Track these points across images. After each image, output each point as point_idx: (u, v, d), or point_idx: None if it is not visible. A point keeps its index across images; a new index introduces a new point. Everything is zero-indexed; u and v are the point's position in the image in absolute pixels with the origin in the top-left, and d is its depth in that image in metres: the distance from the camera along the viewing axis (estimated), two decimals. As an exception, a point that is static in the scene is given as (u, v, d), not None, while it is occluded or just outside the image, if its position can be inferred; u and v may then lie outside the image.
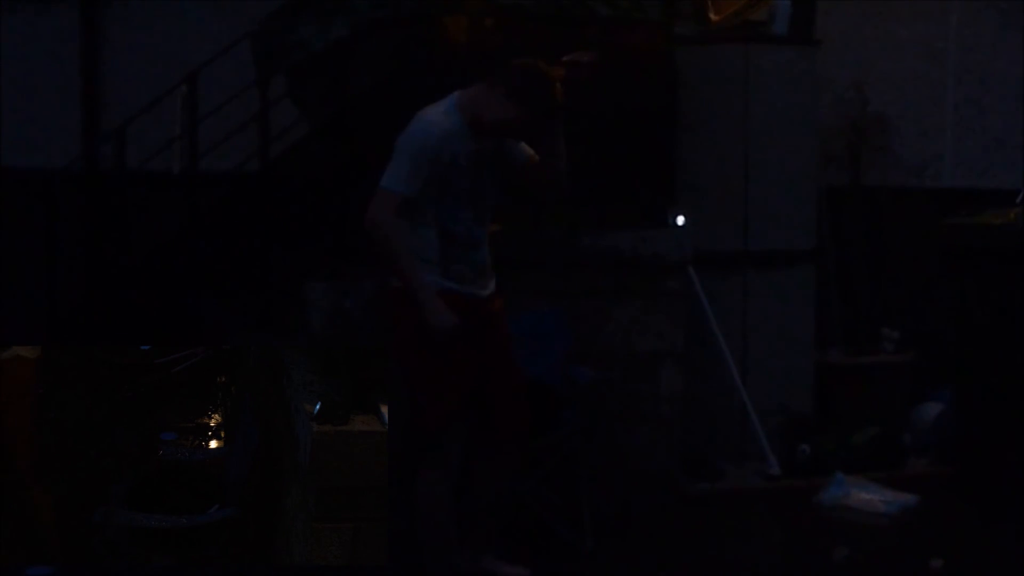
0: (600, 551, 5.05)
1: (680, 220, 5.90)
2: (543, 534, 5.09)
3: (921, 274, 6.74)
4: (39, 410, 4.08)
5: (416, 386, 4.39)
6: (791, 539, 5.31)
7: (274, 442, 4.12)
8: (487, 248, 4.49)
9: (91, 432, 4.13)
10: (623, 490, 5.51)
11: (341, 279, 5.73)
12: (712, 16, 6.54)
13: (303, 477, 3.88)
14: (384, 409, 3.93)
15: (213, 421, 4.28)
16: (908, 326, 6.65)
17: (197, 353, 4.28)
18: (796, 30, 6.38)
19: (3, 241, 7.98)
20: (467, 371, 4.38)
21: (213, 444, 4.25)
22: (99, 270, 7.08)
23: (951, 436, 6.03)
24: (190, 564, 4.08)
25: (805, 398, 6.36)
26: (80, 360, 4.17)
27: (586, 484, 5.11)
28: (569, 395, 5.10)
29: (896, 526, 5.37)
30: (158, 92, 7.22)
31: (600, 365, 5.40)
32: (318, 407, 3.85)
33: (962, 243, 5.60)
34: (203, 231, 6.77)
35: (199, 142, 7.11)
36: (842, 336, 6.78)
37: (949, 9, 6.92)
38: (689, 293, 5.89)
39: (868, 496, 5.54)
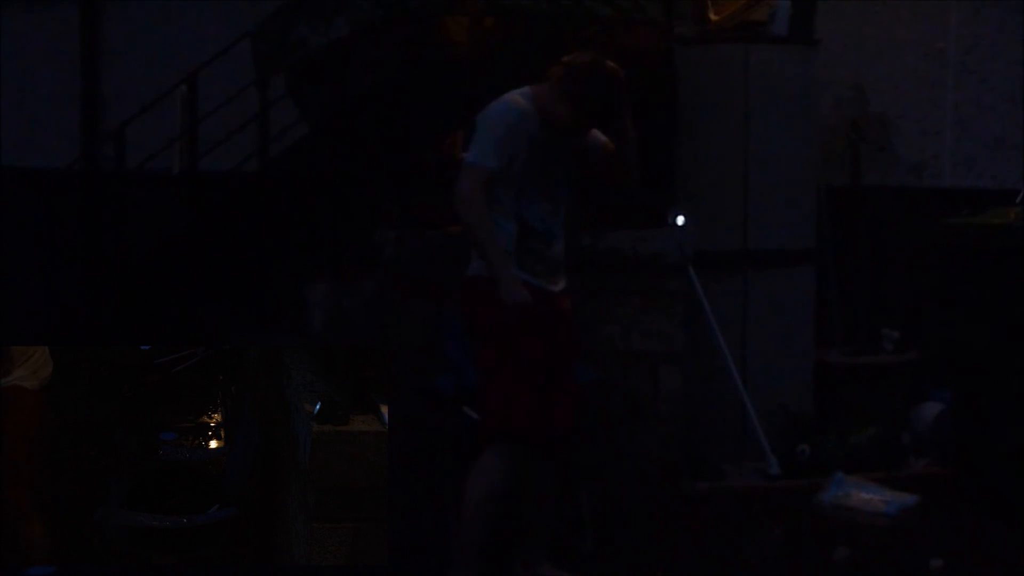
0: (600, 551, 5.05)
1: (680, 220, 5.90)
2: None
3: (921, 274, 6.74)
4: (40, 411, 4.08)
5: (500, 377, 4.38)
6: (791, 539, 5.31)
7: (274, 442, 4.12)
8: (562, 245, 4.53)
9: (91, 432, 4.13)
10: (623, 490, 5.51)
11: (341, 279, 5.73)
12: (712, 16, 6.54)
13: (303, 477, 3.88)
14: (384, 409, 3.93)
15: (213, 421, 4.28)
16: (908, 326, 6.65)
17: (197, 353, 4.28)
18: (796, 30, 6.38)
19: (3, 241, 7.98)
20: (538, 365, 4.39)
21: (213, 444, 4.25)
22: (99, 270, 7.08)
23: (951, 436, 6.02)
24: (190, 564, 4.08)
25: (805, 398, 6.36)
26: (80, 360, 4.17)
27: (586, 484, 5.11)
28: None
29: (896, 526, 5.37)
30: (158, 92, 7.22)
31: (600, 365, 5.40)
32: (318, 407, 3.85)
33: (962, 243, 5.59)
34: (203, 231, 6.77)
35: (199, 142, 7.10)
36: (842, 336, 6.77)
37: (949, 9, 6.92)
38: (689, 293, 5.89)
39: (868, 496, 5.54)
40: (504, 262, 4.31)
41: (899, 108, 7.02)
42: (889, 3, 7.02)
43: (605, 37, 6.10)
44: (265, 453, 4.13)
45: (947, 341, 5.94)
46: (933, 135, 6.98)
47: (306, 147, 6.67)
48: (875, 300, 6.91)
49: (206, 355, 4.29)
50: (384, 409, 3.93)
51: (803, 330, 6.41)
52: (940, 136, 6.97)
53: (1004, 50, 6.79)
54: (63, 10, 8.47)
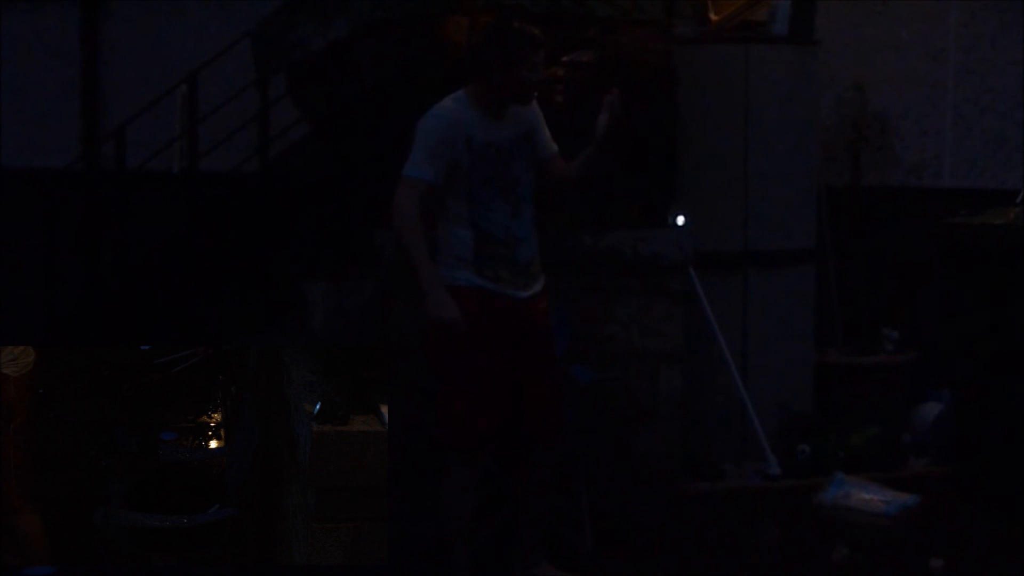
0: (600, 551, 5.05)
1: (680, 220, 5.90)
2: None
3: (921, 274, 6.74)
4: (38, 411, 4.08)
5: (445, 386, 4.41)
6: (791, 539, 5.31)
7: (274, 442, 4.12)
8: (533, 246, 4.45)
9: (91, 432, 4.13)
10: (623, 490, 5.51)
11: (341, 279, 5.73)
12: (712, 16, 6.54)
13: (303, 477, 3.88)
14: (384, 409, 3.93)
15: (213, 421, 4.28)
16: (908, 326, 6.65)
17: (197, 353, 4.28)
18: (796, 30, 6.38)
19: (3, 241, 7.99)
20: (499, 375, 4.36)
21: (213, 444, 4.25)
22: (99, 270, 7.09)
23: (951, 436, 6.03)
24: (190, 564, 4.08)
25: (805, 398, 6.36)
26: (80, 360, 4.17)
27: (586, 484, 5.11)
28: (569, 395, 5.10)
29: (896, 526, 5.37)
30: (158, 92, 7.23)
31: (600, 365, 5.39)
32: (318, 407, 3.85)
33: (962, 243, 5.60)
34: (203, 231, 6.77)
35: (199, 142, 7.11)
36: (842, 336, 6.77)
37: (949, 9, 6.92)
38: (689, 293, 5.89)
39: (868, 496, 5.54)
40: (432, 277, 4.26)
41: (899, 108, 7.02)
42: (889, 3, 7.01)
43: (605, 37, 6.10)
44: (265, 453, 4.13)
45: (947, 341, 5.94)
46: (933, 135, 6.98)
47: (306, 147, 6.67)
48: (875, 300, 6.90)
49: (206, 355, 4.29)
50: (384, 409, 3.93)
51: (803, 330, 6.40)
52: (940, 136, 6.97)
53: (1004, 50, 6.78)
54: (63, 10, 8.47)
